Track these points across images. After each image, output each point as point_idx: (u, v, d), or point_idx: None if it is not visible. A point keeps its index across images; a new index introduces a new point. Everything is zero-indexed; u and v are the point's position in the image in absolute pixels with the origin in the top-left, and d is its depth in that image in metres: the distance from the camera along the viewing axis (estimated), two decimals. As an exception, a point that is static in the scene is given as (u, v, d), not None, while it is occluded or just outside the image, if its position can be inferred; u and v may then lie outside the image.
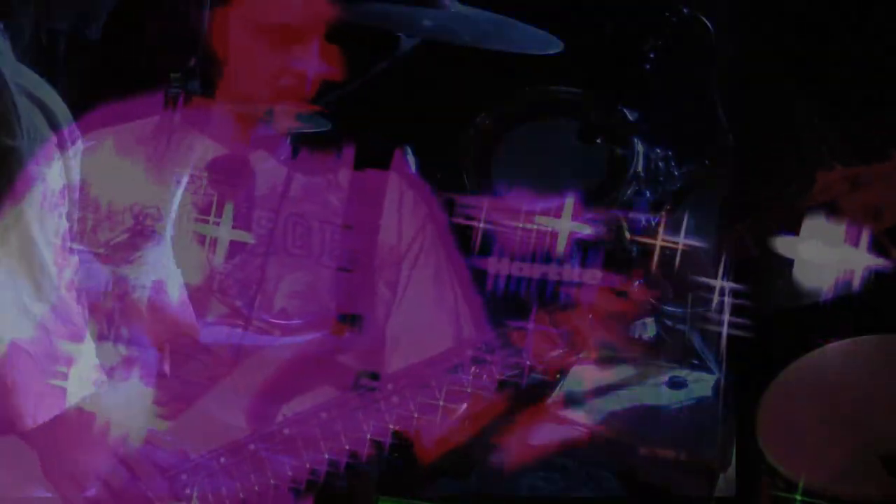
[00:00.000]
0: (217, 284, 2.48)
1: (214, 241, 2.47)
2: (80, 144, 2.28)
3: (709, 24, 3.55)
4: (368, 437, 2.32)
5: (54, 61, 2.49)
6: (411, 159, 3.65)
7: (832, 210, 2.19)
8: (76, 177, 2.28)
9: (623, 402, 3.29)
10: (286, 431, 2.32)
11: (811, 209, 2.21)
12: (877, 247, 2.30)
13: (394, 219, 2.59)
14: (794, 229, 2.30)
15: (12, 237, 2.18)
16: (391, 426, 2.32)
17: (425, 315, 2.56)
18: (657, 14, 3.59)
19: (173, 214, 2.45)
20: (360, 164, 2.60)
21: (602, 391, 3.32)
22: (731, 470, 3.21)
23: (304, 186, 2.55)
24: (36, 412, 2.24)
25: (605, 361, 3.41)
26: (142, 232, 2.45)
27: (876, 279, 2.45)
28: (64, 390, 2.25)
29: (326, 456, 2.32)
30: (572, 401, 3.31)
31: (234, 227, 2.48)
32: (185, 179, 2.47)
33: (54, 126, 2.24)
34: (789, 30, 3.53)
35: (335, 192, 2.57)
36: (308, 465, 2.32)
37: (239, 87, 2.48)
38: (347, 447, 2.32)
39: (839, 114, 3.53)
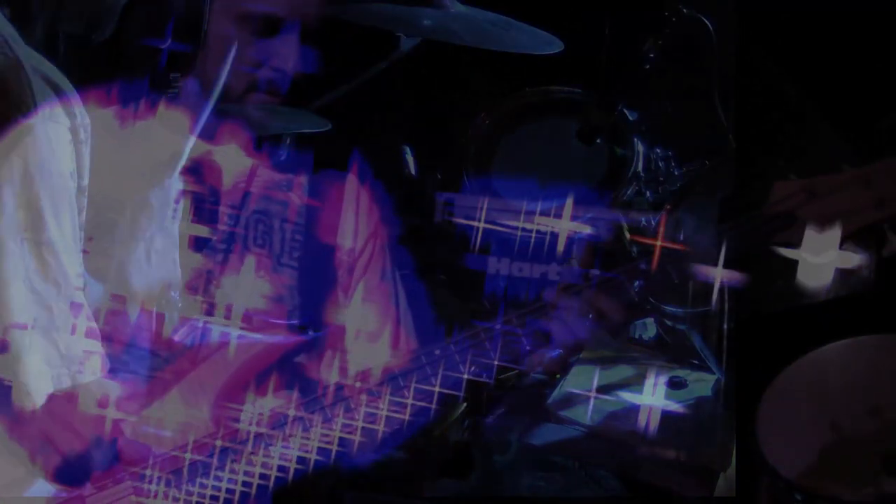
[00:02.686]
0: (181, 280, 2.46)
1: (178, 236, 2.45)
2: (90, 131, 2.28)
3: (709, 24, 3.55)
4: (337, 435, 2.32)
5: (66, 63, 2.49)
6: (411, 159, 3.66)
7: (790, 219, 2.20)
8: (86, 163, 2.28)
9: (623, 402, 3.29)
10: (252, 430, 2.32)
11: (771, 218, 2.23)
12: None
13: (351, 221, 2.59)
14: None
15: (23, 216, 2.19)
16: (362, 425, 2.32)
17: (372, 319, 2.57)
18: (657, 14, 3.59)
19: (139, 207, 2.44)
20: (318, 165, 2.60)
21: (602, 391, 3.32)
22: (731, 470, 3.21)
23: (266, 184, 2.54)
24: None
25: (605, 361, 3.41)
26: (101, 224, 2.43)
27: (877, 278, 2.45)
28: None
29: (295, 454, 2.31)
30: (572, 401, 3.31)
31: (196, 223, 2.46)
32: (152, 171, 2.45)
33: (68, 111, 2.25)
34: (789, 30, 3.53)
35: (296, 191, 2.57)
36: (276, 464, 2.31)
37: (214, 74, 2.45)
38: (318, 445, 2.31)
39: (840, 115, 3.53)
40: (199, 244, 2.47)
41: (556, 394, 3.32)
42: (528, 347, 2.38)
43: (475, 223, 3.43)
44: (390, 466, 2.39)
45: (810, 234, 2.19)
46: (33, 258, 2.20)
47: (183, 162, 2.50)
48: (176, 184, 2.49)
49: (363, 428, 2.33)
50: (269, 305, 2.49)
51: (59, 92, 2.25)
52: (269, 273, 2.50)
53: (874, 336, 3.18)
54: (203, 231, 2.47)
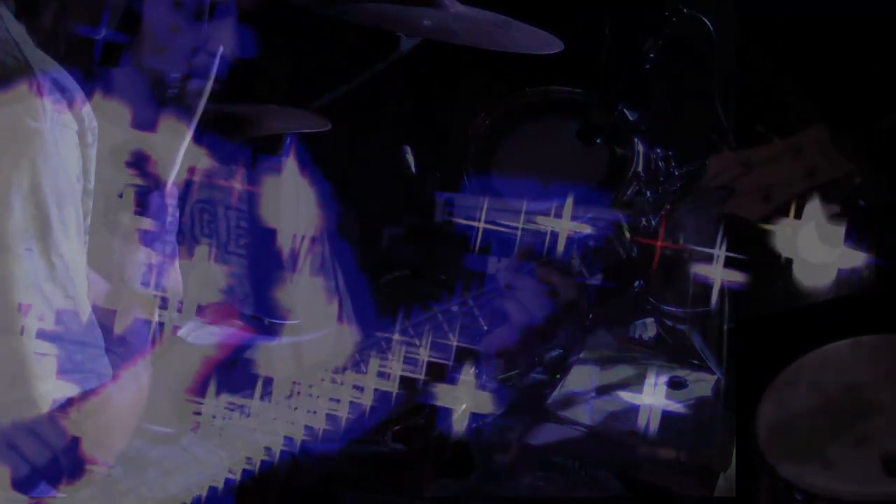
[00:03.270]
0: (127, 273, 2.44)
1: (123, 228, 2.43)
2: (97, 133, 2.27)
3: (709, 23, 3.55)
4: (296, 430, 2.31)
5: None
6: (411, 159, 3.66)
7: (729, 191, 2.25)
8: (92, 166, 2.27)
9: (623, 402, 3.29)
10: (218, 421, 2.31)
11: (710, 191, 2.27)
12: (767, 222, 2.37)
13: (292, 206, 2.57)
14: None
15: (31, 219, 2.18)
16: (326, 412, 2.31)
17: (313, 304, 2.56)
18: (657, 14, 3.59)
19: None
20: (255, 151, 2.59)
21: (602, 391, 3.32)
22: (731, 470, 3.21)
23: (208, 173, 2.52)
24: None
25: (605, 361, 3.41)
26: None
27: (876, 278, 2.45)
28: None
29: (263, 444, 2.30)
30: (572, 401, 3.31)
31: (138, 213, 2.44)
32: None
33: (76, 114, 2.24)
34: (789, 30, 3.53)
35: (237, 177, 2.55)
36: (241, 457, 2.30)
37: (151, 62, 2.42)
38: (272, 442, 2.30)
39: (840, 115, 3.52)
40: (146, 238, 2.45)
41: (556, 394, 3.32)
42: (484, 328, 2.38)
43: (475, 223, 3.43)
44: (390, 466, 2.38)
45: (752, 208, 2.24)
46: (41, 261, 2.19)
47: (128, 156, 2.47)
48: (120, 177, 2.46)
49: (326, 415, 2.31)
50: (221, 296, 2.47)
51: (67, 95, 2.24)
52: (217, 262, 2.47)
53: (874, 336, 3.18)
54: (148, 224, 2.44)
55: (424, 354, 2.32)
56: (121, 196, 2.42)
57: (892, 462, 2.95)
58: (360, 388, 2.31)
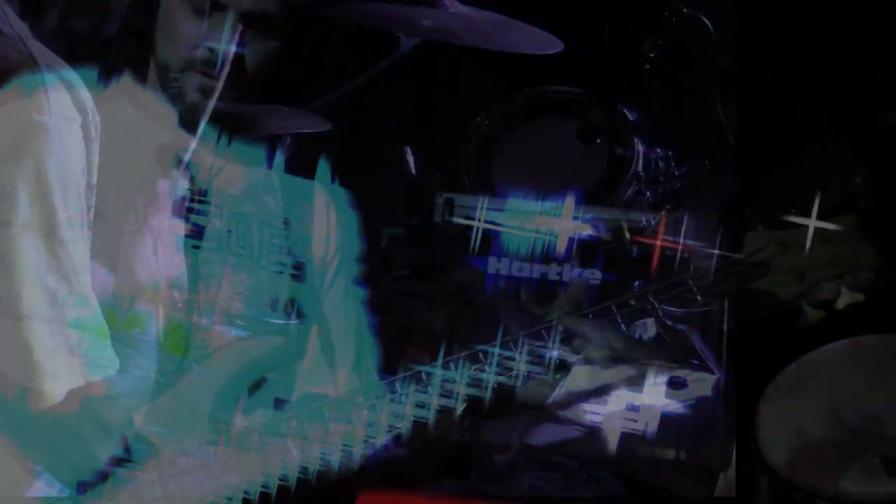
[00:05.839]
0: (163, 281, 2.45)
1: (159, 237, 2.45)
2: (100, 128, 2.27)
3: (709, 23, 3.55)
4: (362, 434, 2.32)
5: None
6: (411, 159, 3.66)
7: (766, 268, 2.34)
8: (96, 160, 2.28)
9: (623, 402, 3.29)
10: (255, 437, 2.33)
11: (746, 269, 2.36)
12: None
13: (322, 230, 2.58)
14: None
15: (36, 213, 2.19)
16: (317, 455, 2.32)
17: (335, 336, 2.57)
18: (657, 14, 3.59)
19: (114, 209, 2.42)
20: (290, 167, 2.60)
21: (602, 391, 3.32)
22: (731, 470, 3.21)
23: (243, 186, 2.53)
24: None
25: (606, 361, 3.41)
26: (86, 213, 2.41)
27: (876, 279, 2.46)
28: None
29: (319, 453, 2.32)
30: (572, 401, 3.31)
31: (180, 220, 2.44)
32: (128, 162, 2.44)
33: (80, 108, 2.25)
34: (789, 30, 3.53)
35: (270, 193, 2.56)
36: (299, 463, 2.32)
37: (159, 52, 2.43)
38: (341, 443, 2.31)
39: (840, 115, 3.53)
40: (184, 243, 2.46)
41: (556, 394, 3.32)
42: (525, 371, 2.39)
43: (475, 223, 3.43)
44: (390, 466, 2.39)
45: (787, 288, 2.35)
46: (45, 255, 2.20)
47: (180, 155, 2.48)
48: (177, 178, 2.48)
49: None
50: (253, 305, 2.49)
51: (71, 89, 2.25)
52: (251, 275, 2.49)
53: (874, 336, 3.19)
54: (189, 229, 2.46)
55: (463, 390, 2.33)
56: (172, 198, 2.44)
57: (892, 462, 2.95)
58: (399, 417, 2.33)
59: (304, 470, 2.30)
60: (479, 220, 3.42)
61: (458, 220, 3.53)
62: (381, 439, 2.33)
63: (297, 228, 2.55)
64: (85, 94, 2.26)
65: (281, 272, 2.50)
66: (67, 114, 2.22)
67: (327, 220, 2.59)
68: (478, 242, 3.42)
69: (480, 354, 2.33)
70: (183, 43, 2.39)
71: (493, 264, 3.49)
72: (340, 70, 3.08)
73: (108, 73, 2.46)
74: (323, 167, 2.64)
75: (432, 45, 3.20)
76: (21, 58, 2.22)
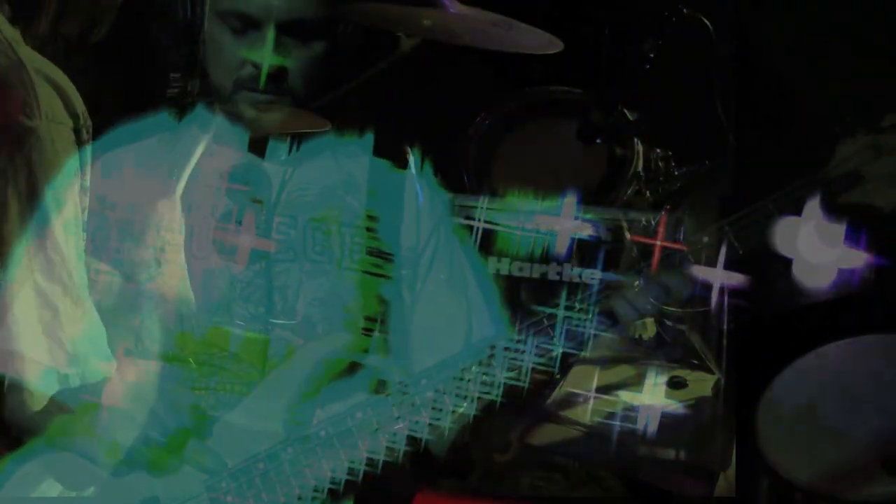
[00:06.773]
0: (239, 293, 2.47)
1: (234, 249, 2.45)
2: (92, 133, 2.28)
3: (709, 24, 3.55)
4: (405, 433, 2.33)
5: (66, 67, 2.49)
6: (411, 159, 3.66)
7: (854, 180, 2.19)
8: (88, 163, 2.28)
9: (623, 402, 3.29)
10: (323, 433, 2.33)
11: (833, 181, 2.21)
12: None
13: (412, 220, 2.58)
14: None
15: (28, 217, 2.19)
16: (427, 421, 2.32)
17: (440, 318, 2.56)
18: (657, 14, 3.60)
19: (189, 225, 2.44)
20: (378, 153, 2.60)
21: (602, 391, 3.32)
22: (731, 470, 3.21)
23: (320, 192, 2.53)
24: None
25: (605, 361, 3.42)
26: (164, 248, 2.43)
27: (876, 278, 2.45)
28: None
29: (364, 455, 2.32)
30: (572, 401, 3.31)
31: (253, 234, 2.46)
32: (197, 188, 2.46)
33: (71, 113, 2.25)
34: (789, 30, 3.53)
35: (352, 193, 2.56)
36: (346, 465, 2.32)
37: (212, 77, 2.45)
38: (385, 445, 2.32)
39: (841, 115, 3.52)
40: (257, 256, 2.47)
41: (556, 394, 3.32)
42: (592, 332, 2.35)
43: (475, 223, 3.43)
44: (391, 466, 2.39)
45: (882, 195, 2.18)
46: (39, 257, 2.20)
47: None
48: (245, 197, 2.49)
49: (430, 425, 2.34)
50: (331, 312, 2.49)
51: (61, 93, 2.25)
52: (330, 279, 2.49)
53: (874, 336, 3.19)
54: (266, 244, 2.47)
55: (528, 362, 2.32)
56: (229, 216, 2.44)
57: (892, 462, 2.95)
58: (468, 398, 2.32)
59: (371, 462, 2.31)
60: (479, 220, 3.43)
61: (458, 220, 3.53)
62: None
63: (386, 222, 2.54)
64: (76, 98, 2.27)
65: (366, 272, 2.50)
66: (58, 118, 2.23)
67: (417, 208, 2.58)
68: (478, 242, 3.43)
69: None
70: (229, 64, 2.41)
71: (493, 264, 3.50)
72: (340, 70, 3.08)
73: (181, 110, 2.47)
74: (415, 156, 2.65)
75: (432, 45, 3.20)
76: (10, 62, 2.22)
